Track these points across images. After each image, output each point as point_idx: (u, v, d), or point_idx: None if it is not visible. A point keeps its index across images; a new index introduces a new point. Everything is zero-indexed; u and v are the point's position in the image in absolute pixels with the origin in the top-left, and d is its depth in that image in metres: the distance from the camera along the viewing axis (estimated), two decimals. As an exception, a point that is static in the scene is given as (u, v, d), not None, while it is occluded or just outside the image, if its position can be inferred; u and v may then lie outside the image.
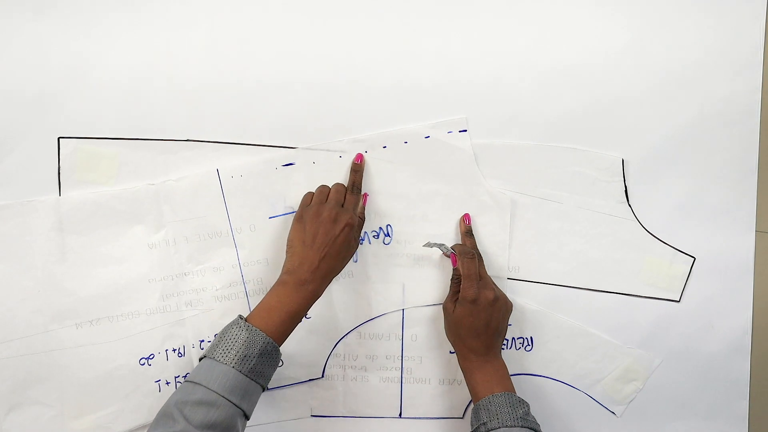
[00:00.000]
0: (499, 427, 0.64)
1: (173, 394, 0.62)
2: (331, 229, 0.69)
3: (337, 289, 0.76)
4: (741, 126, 0.76)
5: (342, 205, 0.72)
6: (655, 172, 0.77)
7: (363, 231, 0.76)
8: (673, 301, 0.78)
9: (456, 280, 0.72)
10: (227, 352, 0.62)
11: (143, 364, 0.75)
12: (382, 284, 0.77)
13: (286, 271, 0.69)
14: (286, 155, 0.76)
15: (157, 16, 0.74)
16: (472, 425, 0.67)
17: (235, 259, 0.76)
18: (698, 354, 0.78)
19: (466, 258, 0.71)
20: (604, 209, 0.77)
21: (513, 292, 0.77)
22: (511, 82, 0.76)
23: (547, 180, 0.77)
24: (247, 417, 0.63)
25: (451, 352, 0.77)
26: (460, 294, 0.70)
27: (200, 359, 0.64)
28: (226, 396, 0.60)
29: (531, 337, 0.78)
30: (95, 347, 0.74)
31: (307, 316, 0.69)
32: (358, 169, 0.75)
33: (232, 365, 0.61)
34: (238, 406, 0.61)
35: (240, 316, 0.65)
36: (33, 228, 0.73)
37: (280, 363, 0.66)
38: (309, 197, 0.74)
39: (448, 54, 0.75)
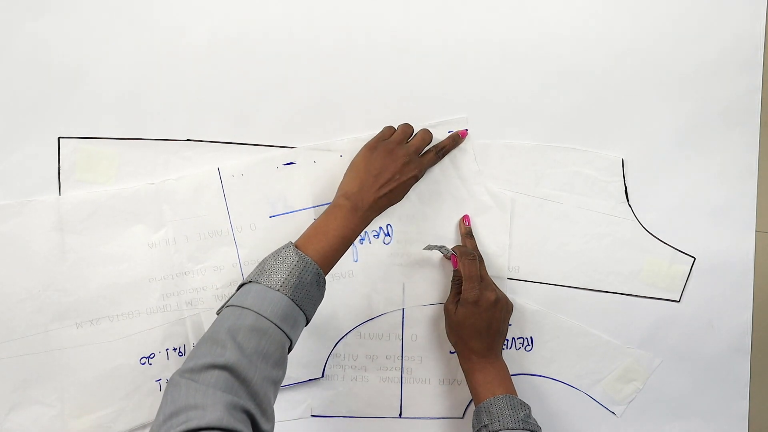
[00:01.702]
0: (501, 430, 0.64)
1: (219, 319, 0.57)
2: (400, 171, 0.69)
3: (337, 288, 0.76)
4: (741, 126, 0.76)
5: (419, 155, 0.71)
6: (655, 172, 0.77)
7: (363, 231, 0.75)
8: (673, 301, 0.78)
9: (457, 282, 0.72)
10: (277, 278, 0.58)
11: (144, 364, 0.75)
12: (382, 284, 0.77)
13: (343, 194, 0.68)
14: (287, 154, 0.76)
15: (157, 16, 0.74)
16: (473, 427, 0.67)
17: (235, 258, 0.76)
18: (698, 354, 0.78)
19: (467, 259, 0.71)
20: (604, 209, 0.77)
21: (513, 292, 0.77)
22: (512, 82, 0.76)
23: (547, 180, 0.77)
24: (289, 349, 0.60)
25: (451, 352, 0.77)
26: (461, 295, 0.70)
27: (240, 286, 0.60)
28: (278, 323, 0.56)
29: (531, 337, 0.78)
30: (95, 347, 0.74)
31: None
32: (456, 140, 0.75)
33: (284, 292, 0.58)
34: (288, 336, 0.57)
35: (290, 242, 0.63)
36: (33, 228, 0.73)
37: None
38: (389, 131, 0.73)
39: (448, 54, 0.75)
